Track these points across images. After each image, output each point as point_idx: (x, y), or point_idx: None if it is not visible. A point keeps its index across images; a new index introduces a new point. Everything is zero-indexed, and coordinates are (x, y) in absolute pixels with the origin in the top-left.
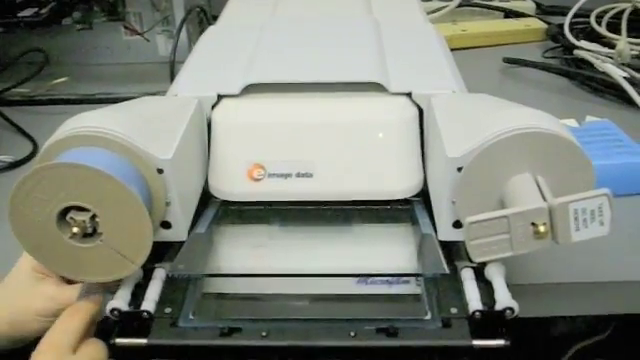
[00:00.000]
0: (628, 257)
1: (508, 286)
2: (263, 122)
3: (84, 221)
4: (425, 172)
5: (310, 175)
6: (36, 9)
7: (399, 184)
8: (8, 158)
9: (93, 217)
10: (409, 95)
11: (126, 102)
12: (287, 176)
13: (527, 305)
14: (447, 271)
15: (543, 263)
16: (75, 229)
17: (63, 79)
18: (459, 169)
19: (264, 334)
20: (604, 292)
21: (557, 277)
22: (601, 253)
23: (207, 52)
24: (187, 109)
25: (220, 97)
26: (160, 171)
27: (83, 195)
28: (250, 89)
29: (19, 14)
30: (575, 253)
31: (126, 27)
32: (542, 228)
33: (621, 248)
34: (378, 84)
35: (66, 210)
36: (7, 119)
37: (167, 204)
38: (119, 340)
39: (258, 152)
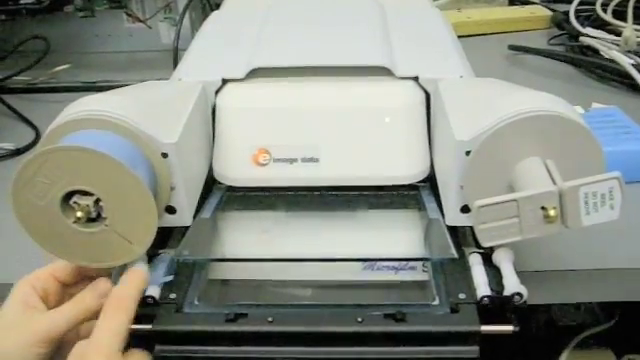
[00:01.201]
0: (634, 244)
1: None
2: (268, 106)
3: (88, 205)
4: (432, 157)
5: (316, 160)
6: None
7: (406, 169)
8: (10, 145)
9: (97, 201)
10: (416, 79)
11: (129, 86)
12: (293, 161)
13: (532, 292)
14: (456, 255)
15: (547, 250)
16: (79, 213)
17: (65, 67)
18: (467, 153)
19: (270, 320)
20: (609, 279)
21: (562, 264)
22: (607, 240)
23: (211, 37)
24: (191, 94)
25: (224, 81)
26: (165, 155)
27: (87, 179)
28: (255, 73)
29: (21, 1)
30: (581, 240)
31: (128, 14)
32: (552, 212)
33: (627, 235)
34: (385, 68)
35: (70, 194)
36: (9, 107)
37: (172, 189)
38: None
39: (263, 137)
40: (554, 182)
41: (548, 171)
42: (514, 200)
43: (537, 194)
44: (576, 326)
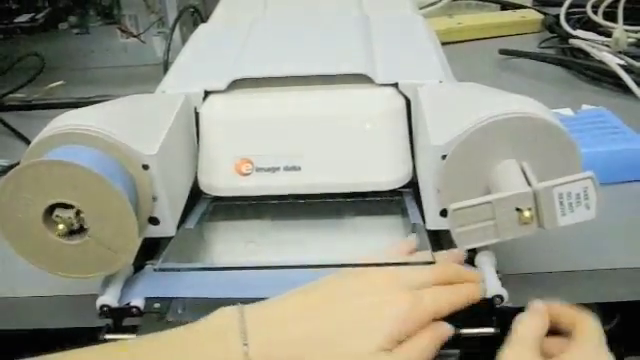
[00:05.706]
0: (628, 243)
1: (499, 275)
2: (250, 117)
3: (70, 218)
4: (414, 162)
5: (298, 168)
6: (32, 14)
7: (388, 175)
8: (5, 162)
9: (78, 214)
10: (396, 86)
11: (112, 100)
12: (275, 170)
13: (530, 294)
14: (433, 260)
15: (545, 251)
16: (61, 226)
17: (60, 83)
18: (444, 157)
19: None
20: (610, 279)
21: (561, 265)
22: (600, 240)
23: (196, 49)
24: (173, 105)
25: (207, 93)
26: (145, 167)
27: (67, 192)
28: (237, 84)
29: (15, 20)
30: (573, 241)
31: (122, 30)
32: (527, 213)
33: (625, 234)
34: (364, 75)
35: (52, 208)
36: (4, 123)
37: (154, 200)
38: (109, 336)
39: (245, 147)
40: (529, 183)
41: (524, 173)
42: (489, 202)
43: (510, 195)
44: None
